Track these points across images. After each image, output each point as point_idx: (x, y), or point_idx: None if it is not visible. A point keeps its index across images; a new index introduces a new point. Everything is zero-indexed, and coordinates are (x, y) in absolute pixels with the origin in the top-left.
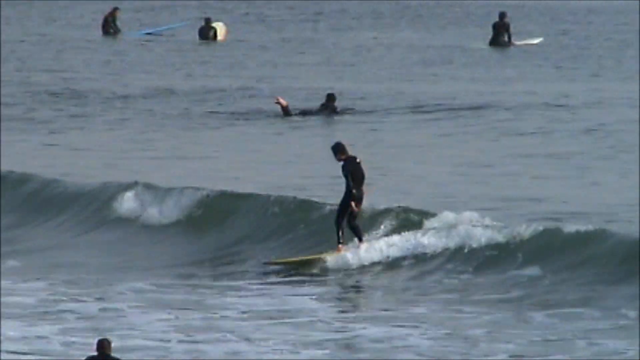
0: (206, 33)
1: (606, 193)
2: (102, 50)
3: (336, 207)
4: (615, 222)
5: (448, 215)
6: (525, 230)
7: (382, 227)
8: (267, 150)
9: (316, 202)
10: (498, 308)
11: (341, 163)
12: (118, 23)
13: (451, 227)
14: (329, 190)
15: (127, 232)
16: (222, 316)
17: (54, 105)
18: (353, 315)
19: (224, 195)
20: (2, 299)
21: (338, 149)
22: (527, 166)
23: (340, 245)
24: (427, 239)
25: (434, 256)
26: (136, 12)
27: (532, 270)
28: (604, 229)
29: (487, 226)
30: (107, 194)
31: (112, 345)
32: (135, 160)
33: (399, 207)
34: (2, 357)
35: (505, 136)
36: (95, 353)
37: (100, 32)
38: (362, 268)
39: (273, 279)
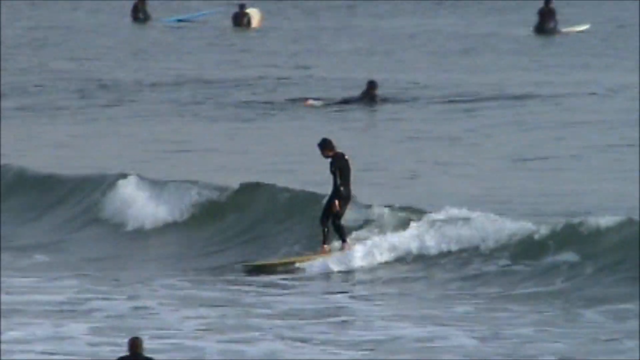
0: (240, 20)
1: None
2: (131, 38)
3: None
4: None
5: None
6: (561, 222)
7: (411, 221)
8: (300, 143)
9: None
10: (543, 303)
11: (329, 160)
12: (148, 9)
13: (484, 220)
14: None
15: (153, 226)
16: (257, 314)
17: (80, 95)
18: (393, 314)
19: (254, 187)
20: (29, 297)
21: (325, 145)
22: (572, 158)
23: (325, 246)
24: (462, 232)
25: (468, 251)
26: None
27: (569, 257)
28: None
29: (521, 218)
30: (131, 187)
31: (144, 344)
32: (165, 152)
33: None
34: (30, 358)
35: (549, 127)
36: (126, 353)
37: (129, 18)
38: (394, 264)
39: (310, 276)
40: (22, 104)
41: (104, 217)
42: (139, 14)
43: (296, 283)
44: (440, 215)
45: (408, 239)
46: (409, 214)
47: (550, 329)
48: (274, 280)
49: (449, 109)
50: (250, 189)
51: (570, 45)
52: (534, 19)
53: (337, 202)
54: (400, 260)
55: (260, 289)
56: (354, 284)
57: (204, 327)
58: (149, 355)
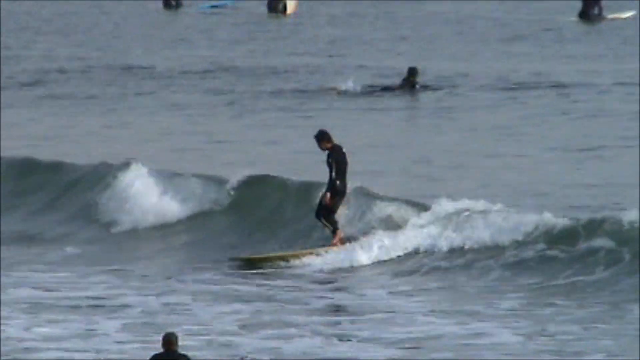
0: (275, 6)
1: None
2: (162, 24)
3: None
4: None
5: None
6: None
7: (447, 214)
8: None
9: (376, 193)
10: (589, 297)
11: (326, 152)
12: None
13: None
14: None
15: (176, 219)
16: (293, 310)
17: (110, 82)
18: (433, 309)
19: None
20: (61, 293)
21: (323, 137)
22: (614, 150)
23: (335, 242)
24: (501, 223)
25: (506, 241)
26: None
27: (605, 244)
28: None
29: (562, 210)
30: (158, 180)
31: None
32: (194, 144)
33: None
34: (58, 356)
35: (593, 117)
36: (160, 350)
37: (160, 4)
38: (431, 257)
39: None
40: (51, 92)
41: (127, 209)
42: (171, 0)
43: (330, 277)
44: (478, 206)
45: (444, 230)
46: (444, 205)
47: (597, 325)
48: (308, 274)
49: (491, 97)
50: (269, 181)
51: (615, 32)
52: (578, 4)
53: (328, 194)
54: (436, 252)
55: (296, 284)
56: (392, 278)
57: (239, 323)
58: (183, 352)
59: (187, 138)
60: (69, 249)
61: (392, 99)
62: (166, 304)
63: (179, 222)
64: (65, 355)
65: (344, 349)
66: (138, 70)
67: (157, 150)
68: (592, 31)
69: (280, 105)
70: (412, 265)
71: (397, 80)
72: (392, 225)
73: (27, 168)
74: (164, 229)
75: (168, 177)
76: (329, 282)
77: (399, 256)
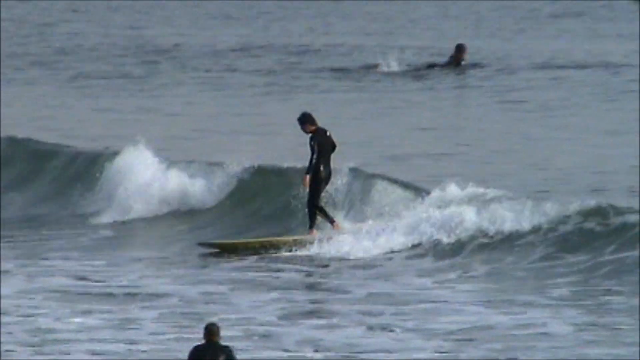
0: None
1: None
2: (195, 2)
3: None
4: None
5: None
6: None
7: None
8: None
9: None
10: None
11: (309, 135)
12: None
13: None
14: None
15: (202, 206)
16: (335, 299)
17: (141, 62)
18: (482, 299)
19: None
20: (93, 283)
21: (306, 120)
22: None
23: (335, 223)
24: (540, 207)
25: (547, 223)
26: None
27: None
28: None
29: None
30: (188, 166)
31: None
32: (237, 126)
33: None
34: (91, 348)
35: None
36: (202, 341)
37: None
38: (474, 242)
39: (389, 261)
40: (80, 72)
41: (152, 193)
42: None
43: (369, 263)
44: (511, 193)
45: (485, 215)
46: (484, 189)
47: None
48: (345, 261)
49: (538, 76)
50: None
51: None
52: None
53: (308, 177)
54: (479, 232)
55: (334, 272)
56: (437, 266)
57: (278, 313)
58: (226, 344)
59: (234, 120)
60: (100, 233)
61: (437, 77)
62: (203, 293)
63: (208, 209)
64: (98, 347)
65: (386, 340)
66: (171, 50)
67: (196, 136)
68: None
69: (323, 86)
70: (453, 253)
71: (442, 59)
72: (439, 205)
73: (43, 153)
74: (193, 214)
75: (201, 165)
76: (369, 268)
77: (441, 242)
